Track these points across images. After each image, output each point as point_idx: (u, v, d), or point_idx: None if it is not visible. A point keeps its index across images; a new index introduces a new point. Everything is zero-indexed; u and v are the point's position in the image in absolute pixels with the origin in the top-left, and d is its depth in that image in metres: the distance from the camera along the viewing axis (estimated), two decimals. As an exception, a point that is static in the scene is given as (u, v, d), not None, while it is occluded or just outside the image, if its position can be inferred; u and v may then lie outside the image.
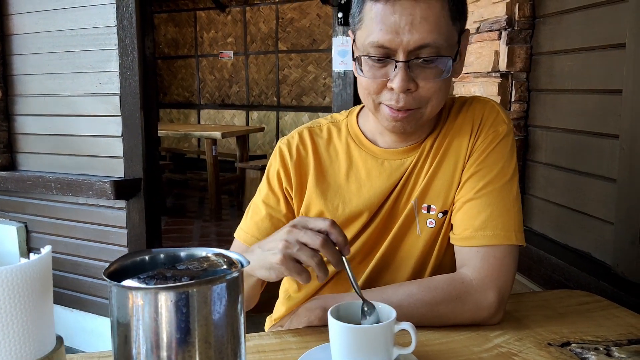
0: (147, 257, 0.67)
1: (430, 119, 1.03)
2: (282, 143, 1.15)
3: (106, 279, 0.60)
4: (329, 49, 6.90)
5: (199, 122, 8.39)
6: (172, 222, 5.50)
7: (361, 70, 0.98)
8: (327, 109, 6.97)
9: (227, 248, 1.14)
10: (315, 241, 0.85)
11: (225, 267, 0.65)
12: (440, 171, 1.07)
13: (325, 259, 0.87)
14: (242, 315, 0.66)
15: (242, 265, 0.65)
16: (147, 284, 0.59)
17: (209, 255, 0.67)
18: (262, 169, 5.43)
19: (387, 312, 0.84)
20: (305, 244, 0.85)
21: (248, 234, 1.13)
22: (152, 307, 0.58)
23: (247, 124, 8.02)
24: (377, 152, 1.10)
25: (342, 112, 1.18)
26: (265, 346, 0.95)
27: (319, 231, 0.86)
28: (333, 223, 0.87)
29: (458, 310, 0.98)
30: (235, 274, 0.63)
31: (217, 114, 8.30)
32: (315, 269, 0.86)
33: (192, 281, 0.58)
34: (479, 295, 0.98)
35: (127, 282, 0.59)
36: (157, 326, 0.58)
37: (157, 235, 2.92)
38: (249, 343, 0.96)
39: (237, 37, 7.99)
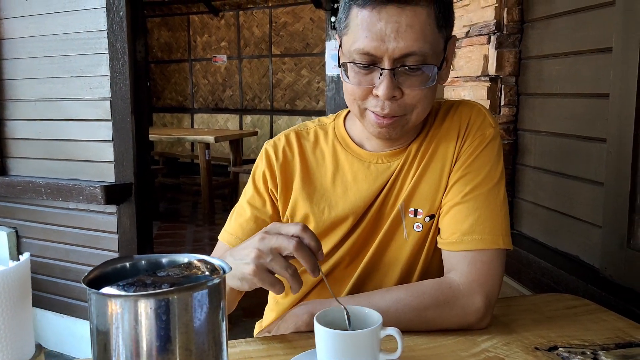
0: (128, 264, 0.66)
1: (417, 124, 1.03)
2: (268, 145, 1.15)
3: (85, 286, 0.60)
4: (322, 53, 6.92)
5: (192, 126, 8.38)
6: (165, 227, 5.48)
7: (347, 76, 0.98)
8: (321, 113, 6.97)
9: None
10: (288, 245, 0.83)
11: (207, 273, 0.64)
12: (426, 175, 1.07)
13: (301, 269, 0.87)
14: (225, 321, 0.65)
15: (224, 272, 0.65)
16: (126, 291, 0.58)
17: (191, 261, 0.67)
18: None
19: (373, 317, 0.84)
20: (278, 251, 0.84)
21: (232, 236, 1.12)
22: (131, 315, 0.58)
23: (241, 128, 8.02)
24: (364, 156, 1.10)
25: (330, 115, 1.17)
26: (251, 352, 0.94)
27: (292, 236, 0.84)
28: (305, 227, 0.85)
29: (445, 315, 0.98)
30: (217, 281, 0.63)
31: (210, 118, 8.29)
32: (289, 280, 0.85)
33: (172, 288, 0.58)
34: (466, 300, 0.98)
35: (106, 290, 0.59)
36: (137, 334, 0.58)
37: (149, 241, 2.90)
38: (236, 349, 0.96)
39: (231, 41, 7.99)
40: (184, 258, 0.67)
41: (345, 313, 0.85)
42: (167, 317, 0.58)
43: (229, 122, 8.16)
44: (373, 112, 0.98)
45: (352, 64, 0.96)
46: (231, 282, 0.91)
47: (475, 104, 1.09)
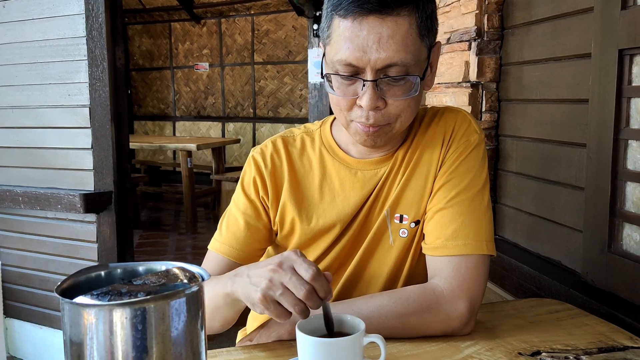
0: (102, 273, 0.64)
1: (402, 132, 1.03)
2: (255, 152, 1.13)
3: (58, 295, 0.58)
4: (304, 61, 6.92)
5: (174, 134, 8.32)
6: (146, 236, 5.42)
7: (331, 86, 0.98)
8: (304, 121, 6.97)
9: (203, 261, 1.13)
10: (299, 292, 0.80)
11: (185, 281, 0.63)
12: (412, 181, 1.07)
13: None
14: (203, 330, 0.64)
15: (203, 279, 0.63)
16: (100, 300, 0.56)
17: (169, 269, 0.65)
18: (239, 181, 5.38)
19: (356, 324, 0.83)
20: (289, 289, 0.81)
21: (225, 245, 1.10)
22: (106, 325, 0.56)
23: (223, 135, 7.98)
24: (351, 163, 1.09)
25: (316, 122, 1.17)
26: (232, 362, 0.93)
27: (305, 281, 0.81)
28: (318, 272, 0.81)
29: (429, 321, 0.98)
30: (195, 289, 0.61)
31: (192, 125, 8.24)
32: (296, 315, 0.82)
33: (149, 297, 0.56)
34: (449, 306, 0.97)
35: (80, 299, 0.57)
36: (112, 345, 0.56)
37: (129, 250, 2.86)
38: (217, 359, 0.94)
39: (213, 49, 7.96)
40: (161, 266, 0.66)
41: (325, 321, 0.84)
42: (143, 327, 0.56)
43: (212, 130, 8.12)
44: (359, 122, 0.98)
45: (335, 75, 0.95)
46: (245, 302, 0.88)
47: (460, 111, 1.10)
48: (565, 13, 1.45)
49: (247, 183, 1.12)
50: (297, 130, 1.16)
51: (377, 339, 0.81)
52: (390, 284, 1.09)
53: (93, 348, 0.57)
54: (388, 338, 0.95)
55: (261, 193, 1.10)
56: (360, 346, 0.81)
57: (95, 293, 0.58)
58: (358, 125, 0.98)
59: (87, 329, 0.56)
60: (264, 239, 1.12)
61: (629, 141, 1.23)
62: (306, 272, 0.81)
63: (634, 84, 1.21)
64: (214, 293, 0.95)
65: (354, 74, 0.93)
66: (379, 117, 0.96)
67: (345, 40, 0.91)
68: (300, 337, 0.79)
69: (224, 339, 1.35)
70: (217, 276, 1.00)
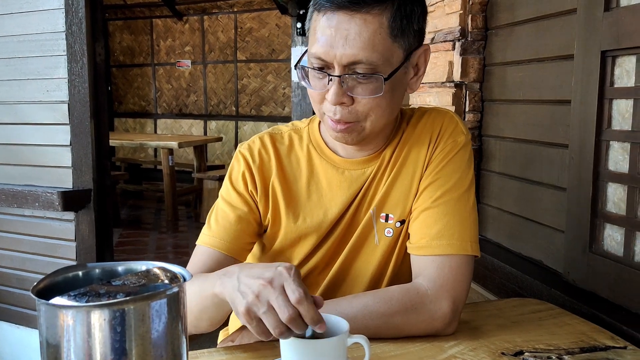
0: (80, 273, 0.63)
1: (376, 132, 1.02)
2: (242, 148, 1.12)
3: (34, 296, 0.56)
4: (288, 59, 6.91)
5: (155, 131, 8.24)
6: (126, 234, 5.36)
7: (307, 80, 0.99)
8: (287, 119, 6.95)
9: (184, 260, 1.11)
10: (283, 314, 0.75)
11: (166, 281, 0.61)
12: (398, 180, 1.07)
13: None
14: (184, 332, 0.62)
15: (184, 280, 0.62)
16: (78, 301, 0.55)
17: (149, 269, 0.64)
18: (220, 179, 5.35)
19: (340, 325, 0.82)
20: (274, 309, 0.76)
21: (216, 238, 1.07)
22: (83, 327, 0.54)
23: (205, 133, 7.92)
24: (338, 162, 1.09)
25: (304, 120, 1.16)
26: (214, 363, 0.91)
27: (291, 304, 0.76)
28: (305, 297, 0.75)
29: (413, 321, 0.97)
30: (176, 289, 0.60)
31: (174, 123, 8.17)
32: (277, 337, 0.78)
33: (128, 298, 0.55)
34: (433, 306, 0.97)
35: (57, 300, 0.55)
36: (90, 347, 0.55)
37: (109, 248, 2.82)
38: (198, 360, 0.93)
39: (195, 46, 7.90)
40: (141, 266, 0.64)
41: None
42: (122, 329, 0.55)
43: (193, 128, 8.05)
44: (328, 116, 0.99)
45: (310, 68, 0.97)
46: (230, 306, 0.83)
47: (448, 112, 1.10)
48: (549, 14, 1.46)
49: (235, 177, 1.11)
50: (285, 127, 1.16)
51: (361, 339, 0.81)
52: (374, 284, 1.09)
53: (70, 351, 0.55)
54: (372, 338, 0.94)
55: (250, 187, 1.09)
56: (343, 347, 0.80)
57: (72, 294, 0.56)
58: (328, 120, 0.99)
59: (64, 331, 0.55)
60: (254, 232, 1.11)
61: (611, 142, 1.24)
62: (292, 294, 0.75)
63: (616, 86, 1.22)
64: (201, 293, 0.91)
65: (325, 67, 0.95)
66: (345, 114, 0.96)
67: (318, 34, 0.93)
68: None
69: (205, 339, 1.34)
70: (203, 274, 0.97)
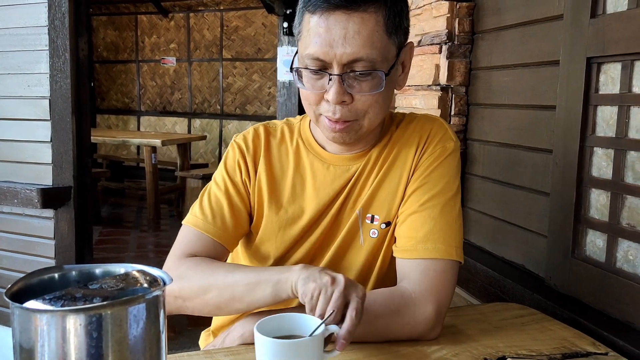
0: (56, 275, 0.61)
1: (372, 130, 1.04)
2: (237, 138, 1.14)
3: (8, 299, 0.54)
4: (274, 59, 6.88)
5: (138, 129, 8.15)
6: (107, 233, 5.29)
7: (301, 81, 0.99)
8: (272, 119, 6.82)
9: (165, 259, 1.09)
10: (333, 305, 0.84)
11: (145, 285, 0.60)
12: (385, 182, 1.08)
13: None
14: (164, 337, 0.61)
15: (165, 283, 0.60)
16: (53, 305, 0.53)
17: (128, 272, 0.62)
18: (204, 178, 5.32)
19: (316, 325, 0.81)
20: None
21: (209, 224, 1.07)
22: (58, 332, 0.53)
23: (189, 132, 7.86)
24: (325, 157, 1.10)
25: (297, 117, 1.19)
26: (194, 367, 0.90)
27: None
28: (357, 313, 0.85)
29: (396, 324, 0.97)
30: (156, 293, 0.58)
31: (158, 121, 8.09)
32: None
33: (105, 302, 0.53)
34: (417, 309, 0.97)
35: (31, 304, 0.53)
36: (65, 353, 0.53)
37: (88, 247, 2.78)
38: (177, 364, 0.91)
39: (180, 44, 7.83)
40: (120, 268, 0.62)
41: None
42: (99, 335, 0.53)
43: (177, 126, 7.99)
44: (326, 116, 0.99)
45: (305, 69, 0.97)
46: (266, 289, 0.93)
47: (438, 118, 1.12)
48: (535, 20, 1.47)
49: (230, 165, 1.12)
50: (279, 122, 1.18)
51: (335, 329, 0.81)
52: (361, 284, 1.09)
53: (44, 356, 0.53)
54: (356, 342, 0.94)
55: (244, 176, 1.11)
56: (320, 347, 0.79)
57: (47, 297, 0.54)
58: (326, 120, 1.00)
59: (39, 335, 0.53)
60: (246, 222, 1.12)
61: (595, 148, 1.25)
62: (354, 301, 0.85)
63: (600, 92, 1.23)
64: (249, 280, 0.96)
65: (322, 68, 0.95)
66: (345, 112, 0.97)
67: (313, 35, 0.93)
68: (259, 338, 0.77)
69: (186, 339, 1.32)
70: (241, 265, 1.06)
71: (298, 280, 0.89)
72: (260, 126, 1.15)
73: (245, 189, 1.11)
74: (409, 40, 1.02)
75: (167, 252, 1.16)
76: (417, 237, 1.01)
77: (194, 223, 1.08)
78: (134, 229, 5.52)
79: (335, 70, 0.93)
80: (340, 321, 0.83)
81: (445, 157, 1.06)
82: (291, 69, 1.00)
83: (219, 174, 1.13)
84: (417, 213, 1.03)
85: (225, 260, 1.13)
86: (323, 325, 0.80)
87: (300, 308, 0.94)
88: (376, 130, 1.08)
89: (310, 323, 0.82)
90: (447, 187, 1.05)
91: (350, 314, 0.83)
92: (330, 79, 0.94)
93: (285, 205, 1.09)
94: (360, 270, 1.08)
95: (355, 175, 1.08)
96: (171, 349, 0.77)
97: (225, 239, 1.08)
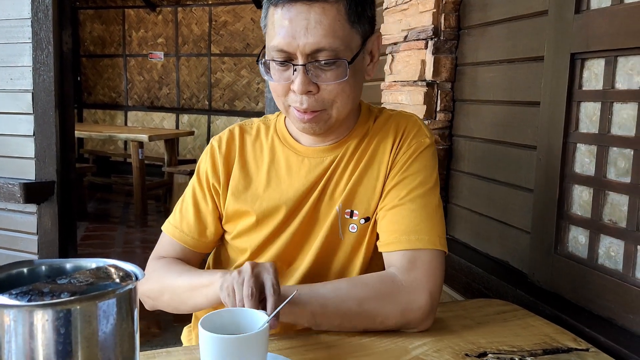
0: (25, 270, 0.59)
1: (341, 119, 1.05)
2: (214, 140, 1.18)
3: (-28, 295, 0.53)
4: (262, 54, 6.83)
5: (125, 124, 8.09)
6: (93, 228, 5.25)
7: (269, 74, 1.02)
8: (260, 114, 6.83)
9: (150, 254, 1.16)
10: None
11: (117, 280, 0.58)
12: (364, 178, 1.09)
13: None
14: (136, 333, 0.60)
15: (137, 278, 0.59)
16: (19, 300, 0.52)
17: (100, 267, 0.61)
18: (191, 173, 5.27)
19: (260, 321, 0.81)
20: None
21: (177, 229, 1.16)
22: (25, 328, 0.51)
23: (177, 127, 7.82)
24: (299, 149, 1.12)
25: (276, 113, 1.20)
26: (172, 363, 0.88)
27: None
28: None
29: (388, 309, 0.97)
30: (127, 288, 0.57)
31: (145, 116, 8.03)
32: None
33: (72, 297, 0.52)
34: (410, 297, 0.98)
35: (-4, 299, 0.52)
36: (32, 349, 0.52)
37: (72, 243, 2.75)
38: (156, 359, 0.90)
39: (168, 38, 7.78)
40: (91, 263, 0.61)
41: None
42: (67, 330, 0.52)
43: (165, 121, 7.93)
44: (294, 107, 1.01)
45: (271, 61, 1.00)
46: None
47: (412, 115, 1.14)
48: (520, 15, 1.46)
49: (201, 171, 1.17)
50: (257, 119, 1.21)
51: (262, 314, 0.81)
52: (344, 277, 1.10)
53: (11, 352, 0.52)
54: (345, 329, 0.97)
55: (212, 181, 1.14)
56: (264, 342, 0.78)
57: (14, 292, 0.53)
58: (295, 111, 1.02)
59: (5, 331, 0.52)
60: (213, 225, 1.16)
61: (578, 145, 1.25)
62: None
63: (584, 88, 1.23)
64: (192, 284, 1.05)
65: (287, 59, 0.97)
66: (312, 102, 0.99)
67: (277, 27, 0.96)
68: (203, 334, 0.76)
69: (171, 335, 1.31)
70: (192, 270, 1.09)
71: (218, 287, 0.94)
72: (236, 126, 1.18)
73: (212, 194, 1.15)
74: (376, 30, 1.04)
75: (153, 248, 1.21)
76: (400, 230, 1.02)
77: (166, 228, 1.17)
78: (120, 224, 5.48)
79: (300, 60, 0.95)
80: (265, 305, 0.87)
81: (420, 151, 1.08)
82: (257, 61, 1.02)
83: (193, 178, 1.18)
84: (397, 207, 1.04)
85: (200, 260, 1.20)
86: (267, 320, 0.79)
87: None
88: (348, 121, 1.10)
89: (256, 318, 0.81)
90: (425, 180, 1.06)
91: (269, 291, 0.87)
92: (295, 70, 0.96)
93: (260, 200, 1.11)
94: (341, 265, 1.09)
95: (332, 167, 1.09)
96: (156, 345, 0.77)
97: (192, 244, 1.15)
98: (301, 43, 0.93)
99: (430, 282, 0.99)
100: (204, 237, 1.15)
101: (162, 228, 1.18)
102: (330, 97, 0.99)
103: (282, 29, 0.95)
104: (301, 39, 0.93)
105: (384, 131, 1.11)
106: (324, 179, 1.09)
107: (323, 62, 0.95)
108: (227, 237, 1.17)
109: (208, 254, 1.24)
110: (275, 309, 0.85)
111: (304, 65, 0.95)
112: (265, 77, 1.02)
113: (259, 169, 1.13)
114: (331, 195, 1.09)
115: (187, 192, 1.17)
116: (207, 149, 1.17)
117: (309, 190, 1.09)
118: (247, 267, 0.90)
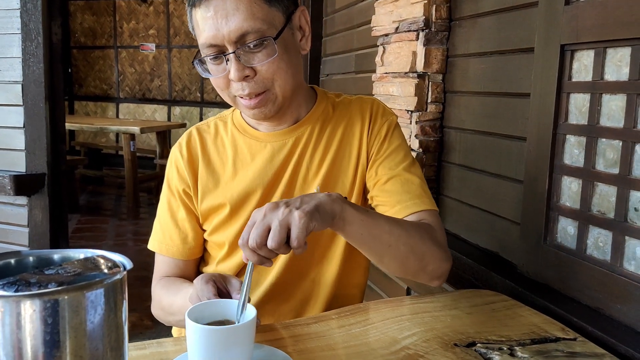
0: (12, 261, 0.59)
1: (288, 97, 1.07)
2: (174, 147, 1.20)
3: (-42, 286, 0.53)
4: (254, 46, 6.80)
5: (117, 116, 8.04)
6: (85, 221, 5.23)
7: (207, 72, 1.05)
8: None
9: (144, 247, 1.20)
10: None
11: (105, 270, 0.58)
12: (337, 160, 1.14)
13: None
14: (125, 323, 0.60)
15: (125, 268, 0.59)
16: (6, 291, 0.51)
17: (87, 257, 0.60)
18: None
19: (247, 313, 0.81)
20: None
21: (162, 244, 1.18)
22: (12, 318, 0.51)
23: (169, 119, 7.78)
24: (260, 137, 1.16)
25: (231, 108, 1.22)
26: (162, 354, 0.89)
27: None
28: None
29: (429, 246, 1.01)
30: (116, 278, 0.57)
31: (137, 108, 7.99)
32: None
33: (60, 288, 0.52)
34: (441, 246, 1.05)
35: (-17, 290, 0.52)
36: (19, 340, 0.51)
37: (63, 235, 2.74)
38: (146, 351, 0.90)
39: (160, 30, 7.72)
40: (79, 254, 0.61)
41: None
42: (54, 321, 0.51)
43: (157, 113, 7.89)
44: (239, 96, 1.04)
45: (206, 58, 1.02)
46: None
47: (373, 98, 1.22)
48: (511, 7, 1.47)
49: (168, 179, 1.19)
50: (212, 118, 1.23)
51: (252, 308, 0.80)
52: (324, 263, 1.15)
53: (-2, 343, 0.52)
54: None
55: (181, 187, 1.17)
56: (250, 334, 0.78)
57: (1, 283, 0.53)
58: (241, 100, 1.05)
59: (-9, 322, 0.51)
60: (194, 228, 1.18)
61: (567, 136, 1.25)
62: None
63: (573, 80, 1.23)
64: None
65: (219, 52, 1.00)
66: (253, 86, 1.02)
67: (201, 25, 1.00)
68: (189, 325, 0.76)
69: (162, 327, 1.32)
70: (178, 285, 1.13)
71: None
72: (192, 129, 1.21)
73: (187, 197, 1.17)
74: (299, 5, 1.08)
75: (146, 241, 1.24)
76: (405, 196, 1.09)
77: (152, 245, 1.20)
78: (112, 217, 5.47)
79: (230, 49, 0.98)
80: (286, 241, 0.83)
81: (393, 129, 1.16)
82: (193, 62, 1.06)
83: (163, 190, 1.20)
84: (394, 177, 1.11)
85: (196, 266, 1.23)
86: (254, 311, 0.79)
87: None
88: (301, 101, 1.15)
89: (245, 310, 0.82)
90: (407, 152, 1.16)
91: (288, 221, 0.81)
92: (227, 60, 0.99)
93: (231, 191, 1.13)
94: (323, 247, 1.14)
95: (298, 149, 1.13)
96: (148, 337, 0.77)
97: (181, 254, 1.17)
98: (225, 32, 0.97)
99: (445, 238, 1.09)
100: (188, 244, 1.17)
101: (149, 247, 1.20)
102: (268, 76, 1.01)
103: (205, 25, 0.98)
104: (224, 29, 0.97)
105: (348, 115, 1.17)
106: (292, 161, 1.13)
107: (252, 44, 0.98)
108: (206, 235, 1.19)
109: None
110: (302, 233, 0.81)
111: (234, 52, 0.98)
112: (204, 75, 1.06)
113: (224, 163, 1.16)
114: (305, 178, 1.13)
115: (162, 206, 1.20)
116: (170, 157, 1.19)
117: (278, 173, 1.13)
118: (197, 281, 0.94)
